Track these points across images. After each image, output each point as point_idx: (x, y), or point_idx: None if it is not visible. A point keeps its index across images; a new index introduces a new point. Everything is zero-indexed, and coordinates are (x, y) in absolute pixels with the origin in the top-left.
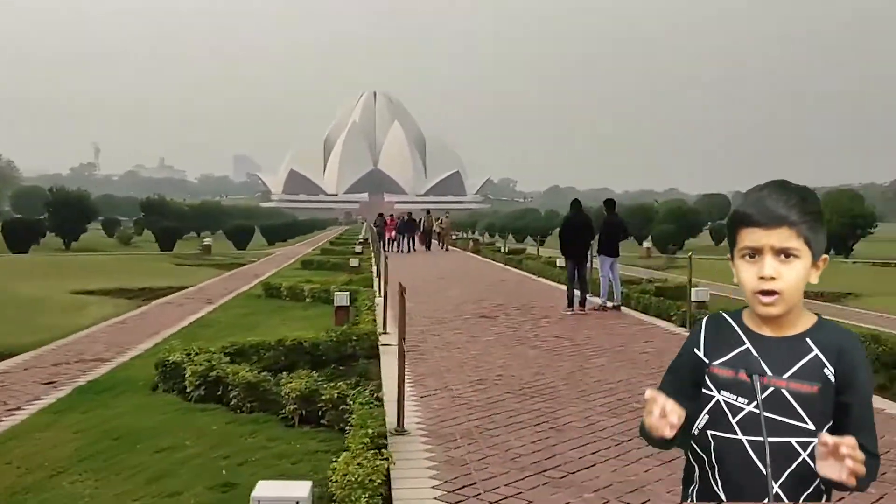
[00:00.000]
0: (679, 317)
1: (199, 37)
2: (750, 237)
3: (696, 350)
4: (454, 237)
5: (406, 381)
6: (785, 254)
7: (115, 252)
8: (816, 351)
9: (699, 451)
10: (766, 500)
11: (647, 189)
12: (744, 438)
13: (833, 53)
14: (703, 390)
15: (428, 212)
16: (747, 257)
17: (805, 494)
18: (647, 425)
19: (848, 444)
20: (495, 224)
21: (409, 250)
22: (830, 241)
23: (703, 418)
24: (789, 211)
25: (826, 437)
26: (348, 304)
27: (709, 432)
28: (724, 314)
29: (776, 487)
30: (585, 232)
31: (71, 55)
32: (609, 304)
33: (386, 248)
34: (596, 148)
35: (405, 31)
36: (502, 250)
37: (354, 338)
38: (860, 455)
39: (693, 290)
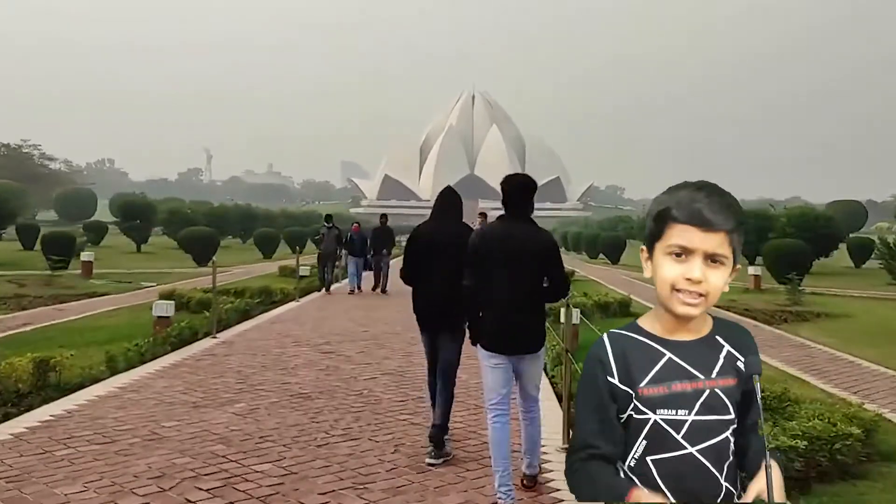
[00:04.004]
0: None
1: (315, 43)
2: (683, 236)
3: (609, 378)
4: None
5: None
6: (713, 259)
7: None
8: (728, 346)
9: (637, 482)
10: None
11: (767, 197)
12: (693, 450)
13: None
14: (634, 416)
15: (383, 217)
16: (674, 255)
17: (735, 476)
18: None
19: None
20: (581, 234)
21: (354, 288)
22: None
23: (638, 446)
24: (727, 218)
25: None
26: None
27: (649, 459)
28: (621, 331)
29: (724, 482)
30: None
31: (190, 55)
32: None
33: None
34: (711, 155)
35: (514, 36)
36: None
37: None
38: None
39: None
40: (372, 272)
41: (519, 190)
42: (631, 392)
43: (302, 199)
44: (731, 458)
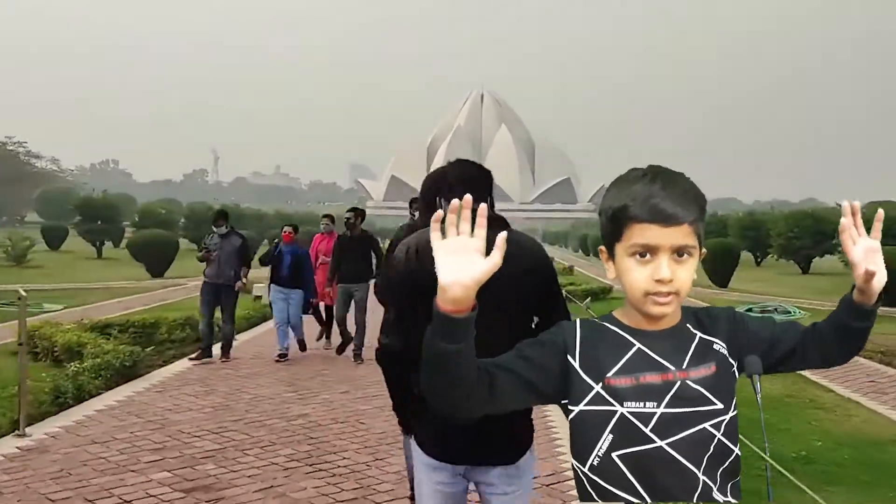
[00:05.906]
0: None
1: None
2: (644, 235)
3: (569, 357)
4: None
5: None
6: (679, 252)
7: None
8: (699, 333)
9: (604, 483)
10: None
11: (781, 199)
12: (662, 443)
13: None
14: (598, 408)
15: (353, 217)
16: (638, 256)
17: (721, 470)
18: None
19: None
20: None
21: (283, 349)
22: None
23: (603, 442)
24: (687, 209)
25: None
26: None
27: (615, 455)
28: (596, 319)
29: (701, 475)
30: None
31: (196, 55)
32: None
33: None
34: (719, 155)
35: (514, 36)
36: None
37: None
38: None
39: None
40: (314, 316)
41: (479, 177)
42: (591, 383)
43: (307, 201)
44: (712, 450)
